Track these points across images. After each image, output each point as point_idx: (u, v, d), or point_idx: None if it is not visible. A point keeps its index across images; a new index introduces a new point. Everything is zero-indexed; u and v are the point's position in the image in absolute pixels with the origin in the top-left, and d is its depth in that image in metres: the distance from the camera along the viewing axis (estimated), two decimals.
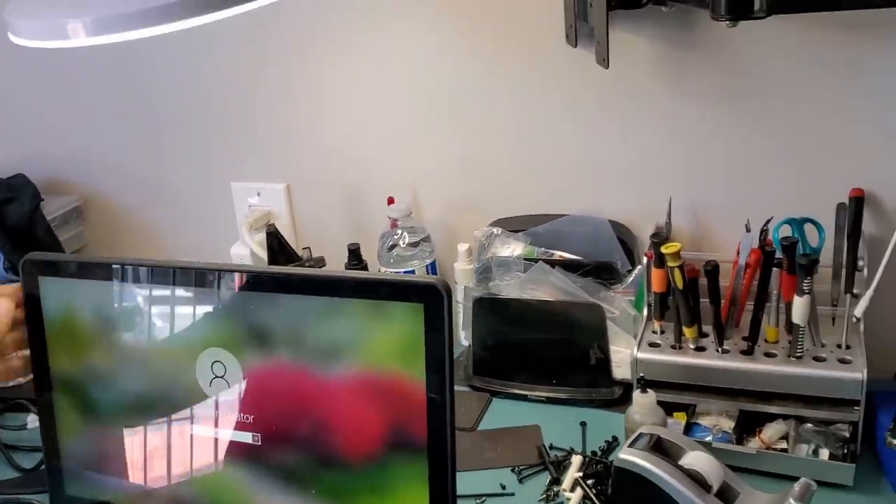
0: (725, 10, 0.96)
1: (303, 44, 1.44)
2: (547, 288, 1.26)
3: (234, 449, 0.92)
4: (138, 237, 1.71)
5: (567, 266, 1.28)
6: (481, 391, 1.30)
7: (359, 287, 0.85)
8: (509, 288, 1.29)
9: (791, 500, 0.88)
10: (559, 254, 1.31)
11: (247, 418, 0.90)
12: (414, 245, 1.40)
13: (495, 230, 1.34)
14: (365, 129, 1.46)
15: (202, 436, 0.93)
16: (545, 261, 1.29)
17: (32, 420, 1.30)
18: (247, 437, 0.91)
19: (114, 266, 0.94)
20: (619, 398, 1.23)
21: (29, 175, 1.65)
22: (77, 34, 0.73)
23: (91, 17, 0.72)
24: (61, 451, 1.01)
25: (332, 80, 1.45)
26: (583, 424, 1.20)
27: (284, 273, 0.90)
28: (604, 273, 1.28)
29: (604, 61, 1.09)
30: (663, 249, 1.08)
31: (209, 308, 0.91)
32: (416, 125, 1.43)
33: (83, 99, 1.63)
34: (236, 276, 0.89)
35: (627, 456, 0.97)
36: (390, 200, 1.43)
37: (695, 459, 0.96)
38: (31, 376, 1.36)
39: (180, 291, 0.92)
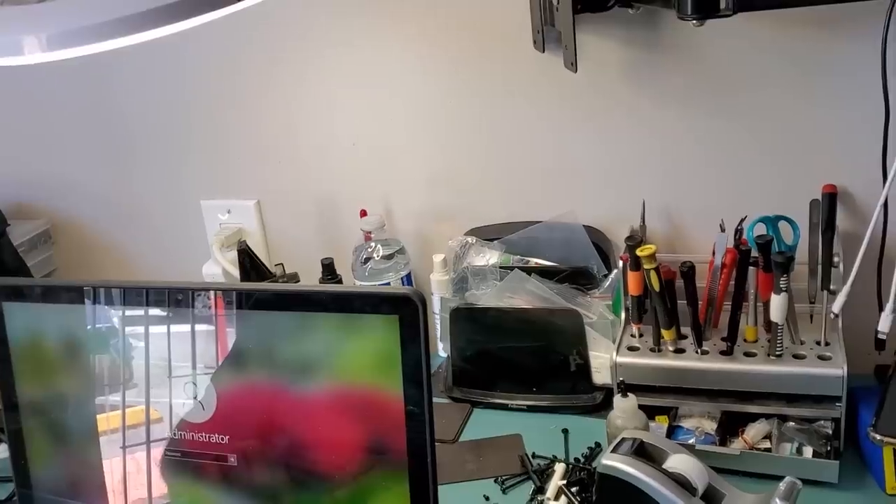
0: (692, 9, 0.95)
1: (271, 59, 1.42)
2: (524, 295, 1.25)
3: (211, 471, 0.90)
4: (109, 259, 1.68)
5: (543, 273, 1.28)
6: (461, 402, 1.29)
7: (332, 300, 0.83)
8: (486, 297, 1.28)
9: (777, 500, 0.87)
10: (535, 261, 1.30)
11: (222, 439, 0.88)
12: (388, 258, 1.38)
13: (470, 239, 1.33)
14: (335, 142, 1.45)
15: (177, 459, 0.91)
16: (521, 268, 1.28)
17: (2, 450, 1.27)
18: (223, 459, 0.89)
19: (82, 288, 0.92)
20: (600, 404, 1.22)
21: None
22: (33, 50, 0.71)
23: (47, 32, 0.70)
24: (33, 479, 0.99)
25: (301, 94, 1.43)
26: (564, 432, 1.19)
27: (255, 289, 0.88)
28: (580, 278, 1.27)
29: (572, 65, 1.09)
30: (638, 252, 1.07)
31: (181, 328, 0.89)
32: (387, 136, 1.41)
33: (48, 120, 1.61)
34: (210, 294, 0.87)
35: (611, 462, 0.96)
36: (363, 213, 1.42)
37: (678, 462, 0.95)
38: None
39: (151, 312, 0.90)
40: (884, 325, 1.00)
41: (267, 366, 0.86)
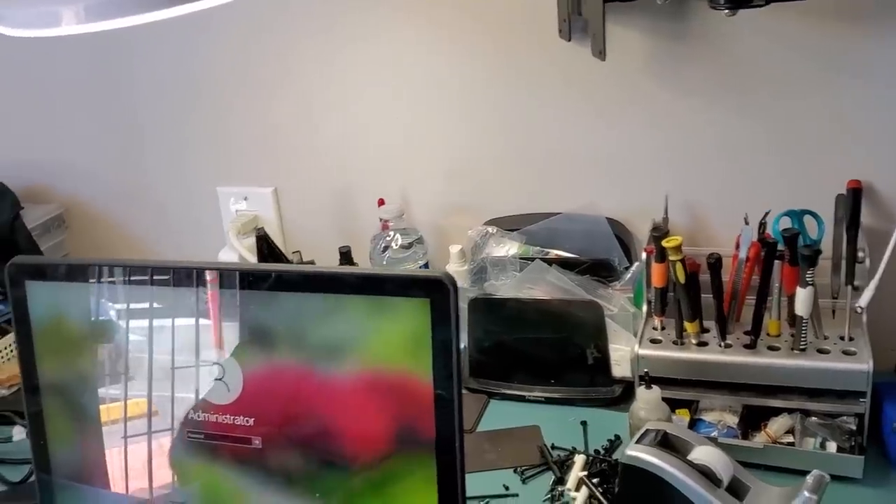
0: None
1: (291, 45, 1.41)
2: (544, 287, 1.25)
3: (234, 453, 0.89)
4: (122, 245, 1.68)
5: (564, 264, 1.27)
6: (478, 393, 1.28)
7: (362, 283, 0.82)
8: (505, 288, 1.27)
9: (805, 493, 0.86)
10: (555, 252, 1.30)
11: (247, 421, 0.88)
12: (407, 247, 1.38)
13: (490, 229, 1.32)
14: (354, 131, 1.44)
15: (199, 441, 0.90)
16: (542, 259, 1.27)
17: (18, 432, 1.27)
18: (247, 441, 0.88)
19: (105, 268, 0.91)
20: (619, 397, 1.22)
21: (8, 183, 1.61)
22: (70, 21, 0.71)
23: (85, 2, 0.70)
24: (52, 461, 0.98)
25: (320, 82, 1.43)
26: (584, 424, 1.18)
27: (285, 270, 0.88)
28: (601, 270, 1.26)
29: (600, 53, 1.08)
30: (665, 243, 1.07)
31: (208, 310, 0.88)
32: (407, 125, 1.41)
33: (63, 104, 1.60)
34: (236, 275, 0.86)
35: (635, 452, 0.95)
36: (381, 202, 1.41)
37: (703, 454, 0.94)
38: (16, 387, 1.34)
39: (176, 292, 0.89)
40: None
41: (295, 348, 0.85)
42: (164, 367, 0.92)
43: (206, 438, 0.90)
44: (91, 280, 0.92)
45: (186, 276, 0.88)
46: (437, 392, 0.81)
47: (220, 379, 0.88)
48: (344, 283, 0.83)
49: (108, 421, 0.95)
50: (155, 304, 0.91)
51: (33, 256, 0.95)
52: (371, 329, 0.83)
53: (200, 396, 0.89)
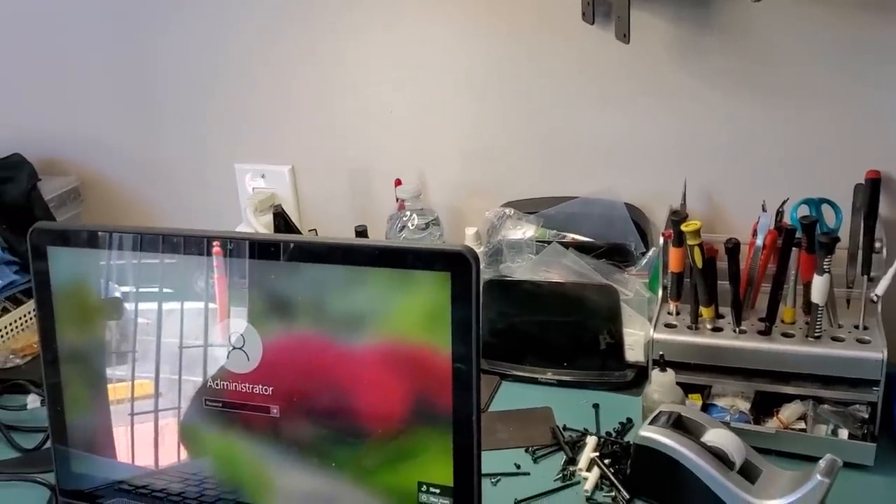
0: None
1: (312, 24, 1.42)
2: (560, 270, 1.25)
3: (252, 422, 0.90)
4: (137, 219, 1.68)
5: (580, 248, 1.27)
6: (490, 374, 1.28)
7: (384, 255, 0.83)
8: (521, 270, 1.28)
9: (818, 476, 0.87)
10: (571, 236, 1.30)
11: (266, 390, 0.88)
12: (423, 227, 1.38)
13: (507, 211, 1.33)
14: (373, 111, 1.44)
15: (217, 409, 0.91)
16: (559, 243, 1.27)
17: (32, 400, 1.27)
18: (265, 410, 0.89)
19: (128, 235, 0.92)
20: (632, 381, 1.22)
21: (26, 154, 1.61)
22: None
23: None
24: (68, 428, 0.99)
25: (340, 62, 1.43)
26: (595, 406, 1.19)
27: (308, 241, 0.88)
28: (617, 255, 1.27)
29: (624, 36, 1.08)
30: (684, 227, 1.07)
31: (238, 280, 0.89)
32: (425, 106, 1.41)
33: (83, 77, 1.61)
34: (257, 245, 0.87)
35: (648, 433, 0.96)
36: (397, 182, 1.42)
37: (716, 437, 0.95)
38: (31, 357, 1.35)
39: (197, 261, 0.90)
40: None
41: (315, 318, 0.86)
42: (174, 343, 0.93)
43: (223, 407, 0.91)
44: (114, 247, 0.92)
45: (206, 246, 0.89)
46: (455, 366, 0.82)
47: (239, 348, 0.88)
48: (366, 255, 0.84)
49: (124, 395, 0.96)
50: (174, 275, 0.91)
51: (55, 223, 0.95)
52: (391, 302, 0.83)
53: (219, 365, 0.90)
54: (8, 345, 1.41)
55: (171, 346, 0.93)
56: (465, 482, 0.84)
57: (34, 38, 1.61)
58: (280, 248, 0.86)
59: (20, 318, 1.45)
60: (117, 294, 0.94)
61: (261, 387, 0.89)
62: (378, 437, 0.86)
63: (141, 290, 0.93)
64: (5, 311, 1.45)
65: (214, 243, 0.88)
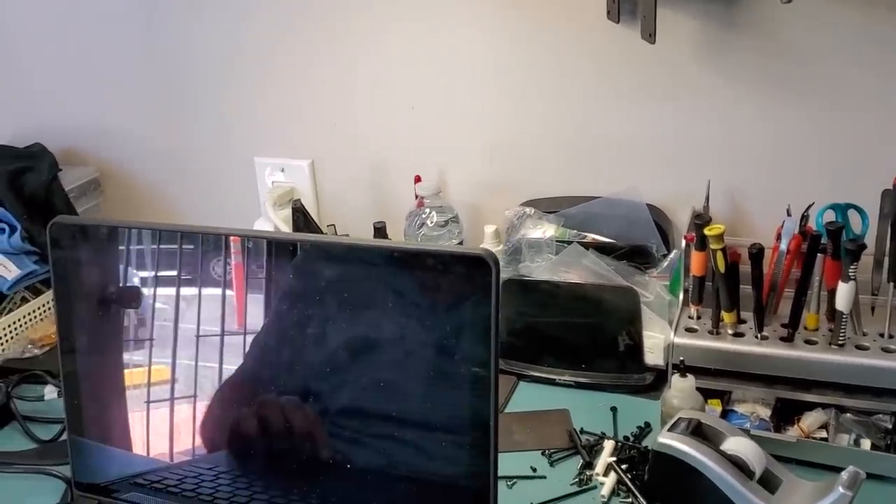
0: None
1: (335, 19, 1.41)
2: (579, 270, 1.24)
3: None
4: (156, 211, 1.68)
5: (601, 249, 1.26)
6: (508, 374, 1.27)
7: (403, 257, 0.82)
8: (540, 270, 1.26)
9: (840, 489, 0.85)
10: (592, 236, 1.29)
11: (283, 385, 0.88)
12: (442, 225, 1.37)
13: (527, 210, 1.32)
14: (393, 107, 1.43)
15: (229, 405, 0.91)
16: (579, 243, 1.26)
17: (49, 391, 1.28)
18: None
19: (146, 231, 0.91)
20: (650, 385, 1.21)
21: (47, 145, 1.62)
22: None
23: None
24: (84, 420, 0.99)
25: (362, 58, 1.42)
26: (613, 410, 1.18)
27: (324, 241, 0.88)
28: (638, 257, 1.25)
29: (650, 36, 1.07)
30: (707, 231, 1.05)
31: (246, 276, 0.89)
32: (447, 102, 1.40)
33: (105, 68, 1.61)
34: (275, 244, 0.87)
35: (667, 440, 0.95)
36: (417, 179, 1.41)
37: (736, 445, 0.94)
38: (49, 347, 1.35)
39: (214, 257, 0.90)
40: None
41: (331, 318, 0.85)
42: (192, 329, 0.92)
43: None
44: (137, 244, 0.92)
45: (220, 243, 0.88)
46: (472, 370, 0.81)
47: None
48: (386, 257, 0.83)
49: (140, 384, 0.96)
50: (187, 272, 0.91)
51: (75, 216, 0.95)
52: (409, 304, 0.83)
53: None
54: (27, 334, 1.41)
55: (189, 332, 0.93)
56: (481, 486, 0.83)
57: (57, 28, 1.61)
58: (297, 247, 0.86)
59: (39, 308, 1.45)
60: (135, 283, 0.94)
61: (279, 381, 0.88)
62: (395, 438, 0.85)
63: (159, 278, 0.93)
64: (24, 300, 1.45)
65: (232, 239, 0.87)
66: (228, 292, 0.90)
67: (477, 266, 0.79)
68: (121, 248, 0.93)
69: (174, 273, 0.92)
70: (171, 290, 0.93)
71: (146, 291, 0.94)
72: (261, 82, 1.51)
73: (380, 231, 1.36)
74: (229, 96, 1.54)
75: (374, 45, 1.40)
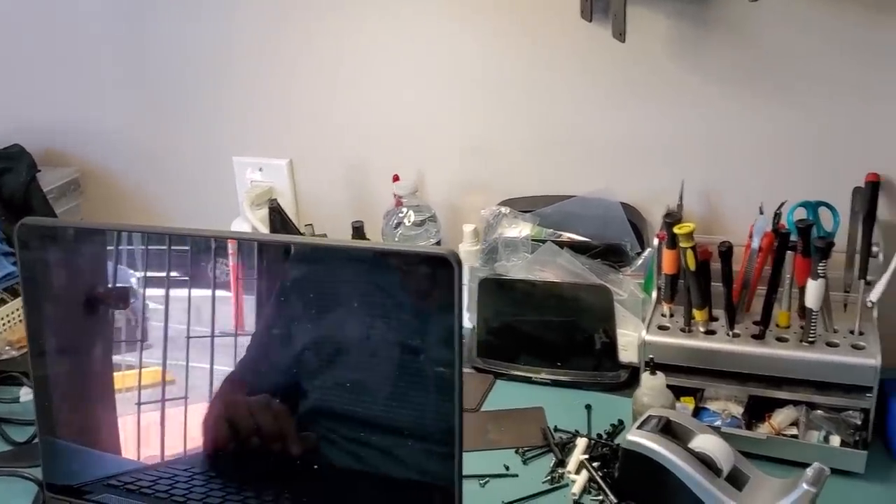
0: None
1: (313, 18, 1.41)
2: (554, 269, 1.24)
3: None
4: (136, 210, 1.68)
5: (576, 248, 1.26)
6: (485, 373, 1.28)
7: (368, 257, 0.82)
8: (516, 269, 1.27)
9: (804, 485, 0.86)
10: (567, 235, 1.29)
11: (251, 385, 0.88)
12: (420, 224, 1.37)
13: (503, 209, 1.32)
14: (372, 106, 1.43)
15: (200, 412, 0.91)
16: (554, 242, 1.26)
17: (25, 393, 1.28)
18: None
19: (111, 232, 0.91)
20: (625, 382, 1.21)
21: (27, 145, 1.62)
22: None
23: None
24: (56, 422, 0.99)
25: (341, 56, 1.42)
26: (587, 407, 1.18)
27: (290, 242, 0.88)
28: (613, 255, 1.26)
29: (620, 35, 1.07)
30: (676, 230, 1.06)
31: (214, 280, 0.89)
32: (424, 102, 1.40)
33: (82, 68, 1.61)
34: (254, 244, 0.87)
35: (636, 437, 0.95)
36: (395, 178, 1.41)
37: (704, 442, 0.94)
38: (26, 349, 1.35)
39: (182, 259, 0.90)
40: None
41: (297, 319, 0.86)
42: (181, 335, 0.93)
43: None
44: (108, 246, 0.92)
45: (205, 245, 0.88)
46: (437, 370, 0.81)
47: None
48: (350, 256, 0.83)
49: (122, 388, 0.96)
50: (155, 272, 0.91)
51: (43, 218, 0.95)
52: (375, 303, 0.83)
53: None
54: (4, 336, 1.41)
55: (159, 333, 0.93)
56: (448, 486, 0.83)
57: (35, 28, 1.61)
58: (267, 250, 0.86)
59: (17, 310, 1.45)
60: (105, 285, 0.94)
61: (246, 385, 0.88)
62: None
63: (133, 279, 0.93)
64: (2, 302, 1.45)
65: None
66: (198, 293, 0.90)
67: (440, 266, 0.79)
68: (89, 249, 0.93)
69: (143, 274, 0.92)
70: (142, 291, 0.93)
71: (116, 294, 0.94)
72: (240, 82, 1.50)
73: (358, 230, 1.37)
74: (209, 96, 1.54)
75: (353, 45, 1.40)
